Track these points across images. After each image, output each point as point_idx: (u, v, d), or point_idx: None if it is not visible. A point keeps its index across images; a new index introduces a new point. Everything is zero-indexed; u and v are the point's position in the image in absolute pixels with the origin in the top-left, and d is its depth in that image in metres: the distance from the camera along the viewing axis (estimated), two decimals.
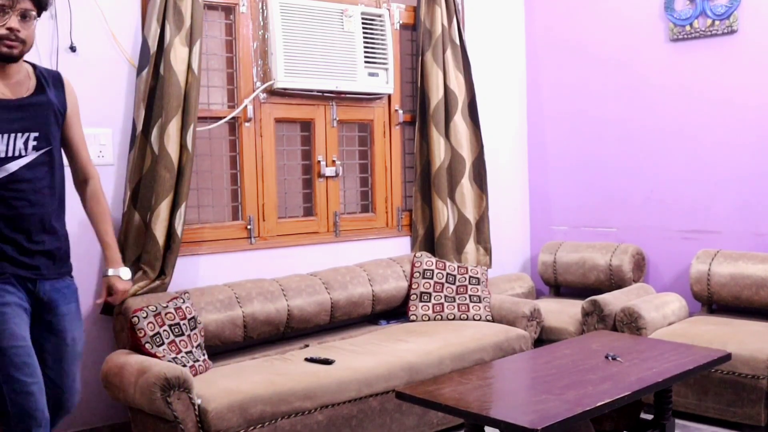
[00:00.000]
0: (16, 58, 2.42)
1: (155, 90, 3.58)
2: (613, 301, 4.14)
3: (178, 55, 3.57)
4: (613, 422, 3.20)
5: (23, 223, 2.44)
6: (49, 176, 2.52)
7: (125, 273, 2.79)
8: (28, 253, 2.46)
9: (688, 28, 4.47)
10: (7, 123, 2.40)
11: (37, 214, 2.47)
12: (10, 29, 2.36)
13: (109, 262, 2.77)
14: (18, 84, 2.47)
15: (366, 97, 4.44)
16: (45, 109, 2.51)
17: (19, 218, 2.44)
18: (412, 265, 4.37)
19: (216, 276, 3.85)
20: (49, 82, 2.56)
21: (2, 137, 2.39)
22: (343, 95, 4.31)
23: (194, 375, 3.18)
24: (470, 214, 4.68)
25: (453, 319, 4.24)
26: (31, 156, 2.45)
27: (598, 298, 4.16)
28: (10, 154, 2.41)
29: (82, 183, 2.73)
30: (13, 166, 2.42)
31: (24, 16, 2.39)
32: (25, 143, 2.44)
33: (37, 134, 2.46)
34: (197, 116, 3.69)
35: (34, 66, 2.56)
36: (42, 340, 2.54)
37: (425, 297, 4.29)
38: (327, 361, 3.43)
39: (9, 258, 2.43)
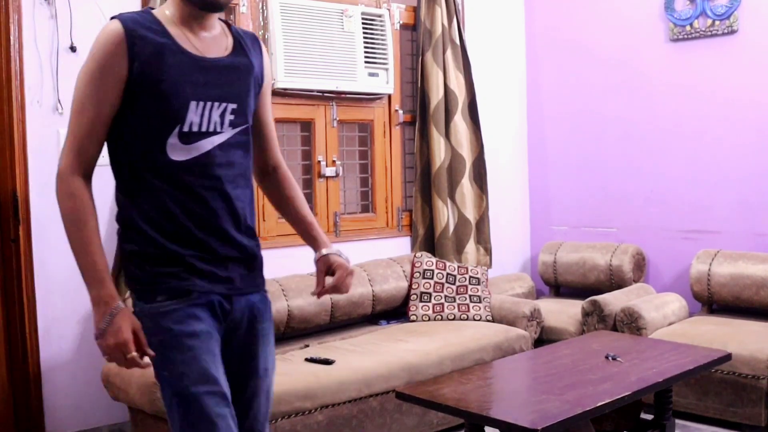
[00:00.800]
0: (221, 6, 1.87)
1: None
2: (613, 301, 4.14)
3: None
4: (613, 422, 3.19)
5: (216, 220, 1.88)
6: (245, 162, 1.95)
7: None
8: (221, 261, 1.89)
9: (688, 28, 4.47)
10: (202, 88, 1.83)
11: (231, 209, 1.90)
12: None
13: (323, 243, 2.12)
14: (215, 41, 1.91)
15: (366, 97, 4.44)
16: (246, 74, 1.94)
17: (211, 214, 1.87)
18: (412, 265, 4.37)
19: None
20: (248, 42, 1.99)
21: (196, 106, 1.82)
22: (343, 95, 4.31)
23: None
24: (470, 214, 4.68)
25: (453, 319, 4.24)
26: (228, 134, 1.88)
27: (598, 298, 4.16)
28: (204, 128, 1.84)
29: (271, 171, 2.14)
30: (207, 145, 1.84)
31: None
32: (222, 116, 1.87)
33: (235, 106, 1.90)
34: None
35: (227, 23, 2.00)
36: (227, 373, 1.91)
37: (425, 297, 4.29)
38: (327, 361, 3.43)
39: (198, 270, 1.85)
